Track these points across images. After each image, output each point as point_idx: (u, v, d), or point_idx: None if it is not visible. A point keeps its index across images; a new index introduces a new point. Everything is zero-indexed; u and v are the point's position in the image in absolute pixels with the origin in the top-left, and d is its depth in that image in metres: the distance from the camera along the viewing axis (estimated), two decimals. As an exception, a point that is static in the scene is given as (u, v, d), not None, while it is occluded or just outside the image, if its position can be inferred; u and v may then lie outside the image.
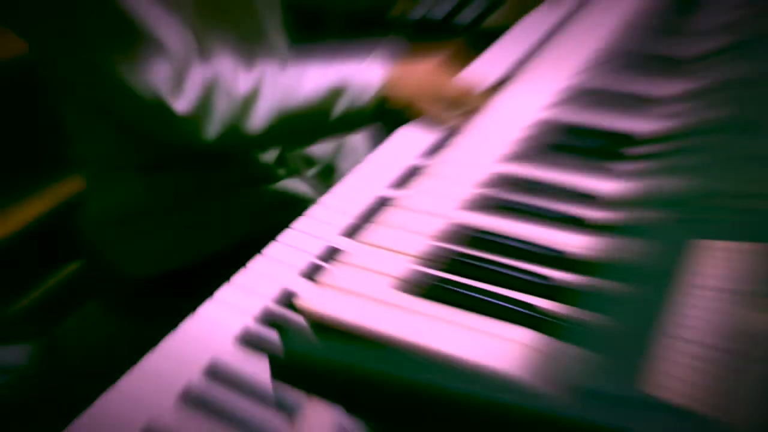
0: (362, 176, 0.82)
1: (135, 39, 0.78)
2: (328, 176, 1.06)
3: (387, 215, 0.64)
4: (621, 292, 0.50)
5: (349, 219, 0.75)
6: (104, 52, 0.79)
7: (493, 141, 0.76)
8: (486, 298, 0.52)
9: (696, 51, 0.90)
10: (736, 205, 0.57)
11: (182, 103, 0.80)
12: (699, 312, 0.47)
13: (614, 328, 0.47)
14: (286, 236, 0.74)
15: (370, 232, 0.62)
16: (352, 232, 0.72)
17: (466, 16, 1.92)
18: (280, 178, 1.01)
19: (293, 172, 1.02)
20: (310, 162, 1.03)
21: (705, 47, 0.92)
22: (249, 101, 0.83)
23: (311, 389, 0.52)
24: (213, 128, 0.82)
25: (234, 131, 0.83)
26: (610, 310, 0.49)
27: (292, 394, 0.58)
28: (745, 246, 0.51)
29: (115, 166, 0.95)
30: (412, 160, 0.84)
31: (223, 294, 0.67)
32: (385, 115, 0.89)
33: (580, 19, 1.11)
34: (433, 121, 0.87)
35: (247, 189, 0.97)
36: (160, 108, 0.80)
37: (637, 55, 0.92)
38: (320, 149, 1.04)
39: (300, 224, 0.75)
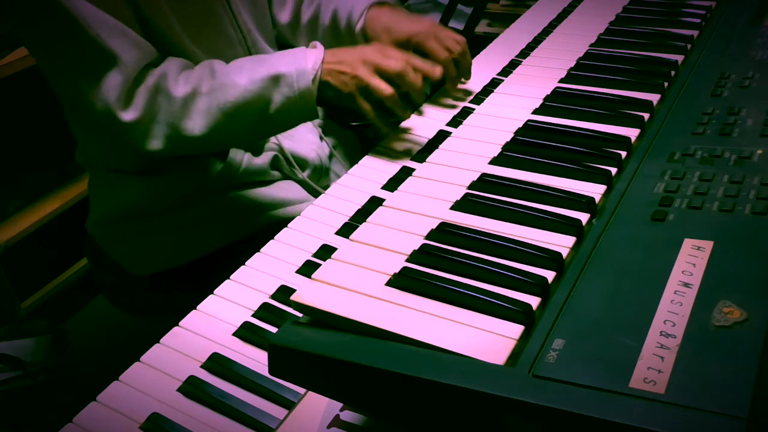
0: (356, 177, 0.84)
1: (91, 52, 0.80)
2: (320, 178, 1.08)
3: (380, 215, 0.66)
4: (605, 289, 0.52)
5: (343, 218, 0.78)
6: (64, 64, 0.82)
7: (483, 143, 0.78)
8: (474, 294, 0.53)
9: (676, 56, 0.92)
10: (714, 205, 0.58)
11: (129, 114, 0.81)
12: (676, 307, 0.49)
13: (598, 323, 0.48)
14: (283, 235, 0.76)
15: (364, 231, 0.63)
16: (346, 231, 0.74)
17: (459, 22, 1.92)
18: (275, 179, 1.03)
19: (287, 174, 1.04)
20: (303, 164, 1.05)
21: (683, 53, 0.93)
22: (188, 102, 0.83)
23: (307, 381, 0.54)
24: (158, 132, 0.83)
25: (178, 133, 0.84)
26: (594, 306, 0.50)
27: (289, 386, 0.60)
28: (719, 245, 0.53)
29: (114, 169, 0.98)
30: (404, 162, 0.86)
31: (223, 290, 0.70)
32: (331, 102, 0.87)
33: (567, 24, 1.12)
34: (366, 112, 0.85)
35: (243, 191, 0.99)
36: (109, 117, 0.81)
37: (620, 58, 0.93)
38: (312, 152, 1.06)
39: (297, 224, 0.77)
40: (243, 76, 0.83)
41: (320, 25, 1.07)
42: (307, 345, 0.51)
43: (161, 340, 0.64)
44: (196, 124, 0.83)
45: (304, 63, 0.83)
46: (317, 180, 1.06)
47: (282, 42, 1.15)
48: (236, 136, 0.90)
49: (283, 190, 1.01)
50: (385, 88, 0.83)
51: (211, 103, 0.83)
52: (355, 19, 0.99)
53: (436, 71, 0.88)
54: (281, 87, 0.83)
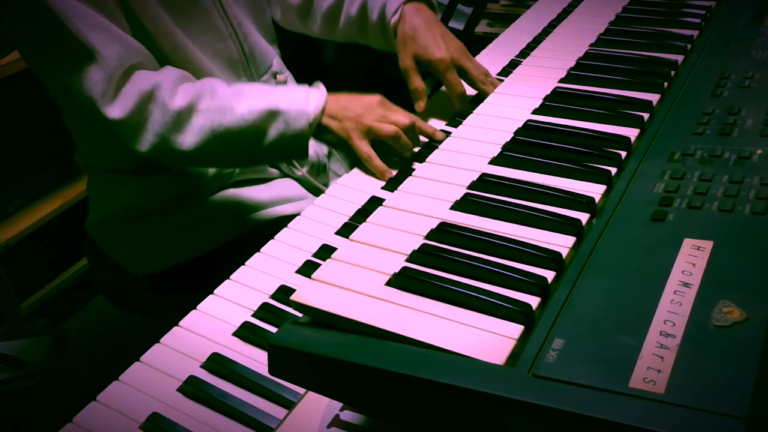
0: (356, 177, 0.84)
1: (72, 47, 0.79)
2: (318, 175, 1.08)
3: (380, 215, 0.66)
4: (605, 289, 0.52)
5: (343, 218, 0.78)
6: (49, 60, 0.82)
7: (483, 143, 0.78)
8: (474, 294, 0.53)
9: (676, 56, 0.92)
10: (714, 205, 0.58)
11: (115, 111, 0.81)
12: (676, 307, 0.49)
13: (598, 323, 0.48)
14: (283, 235, 0.76)
15: (364, 231, 0.63)
16: (346, 231, 0.74)
17: (459, 22, 1.92)
18: (273, 177, 1.02)
19: (285, 173, 1.04)
20: (300, 162, 1.04)
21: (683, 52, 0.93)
22: (183, 116, 0.83)
23: (307, 381, 0.54)
24: (147, 139, 0.83)
25: (166, 144, 0.83)
26: (594, 306, 0.50)
27: (289, 386, 0.60)
28: (719, 245, 0.53)
29: (113, 169, 0.98)
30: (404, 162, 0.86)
31: (223, 290, 0.70)
32: (326, 144, 0.88)
33: (567, 24, 1.12)
34: (365, 160, 0.85)
35: (241, 189, 0.99)
36: (96, 112, 0.81)
37: (619, 58, 0.94)
38: (310, 149, 1.05)
39: (297, 224, 0.77)
40: (243, 104, 0.83)
41: (344, 15, 1.05)
42: (307, 345, 0.51)
43: (161, 340, 0.64)
44: (186, 139, 0.83)
45: (305, 105, 0.83)
46: (315, 177, 1.06)
47: (281, 30, 1.14)
48: (225, 159, 0.91)
49: (282, 187, 1.01)
50: (388, 128, 0.84)
51: (206, 122, 0.82)
52: (390, 13, 0.97)
53: (437, 135, 0.89)
54: (278, 123, 0.83)
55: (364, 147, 0.84)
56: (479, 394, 0.44)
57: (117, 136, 0.84)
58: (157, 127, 0.82)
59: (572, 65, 0.95)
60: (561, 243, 0.59)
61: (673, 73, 0.87)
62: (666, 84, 0.84)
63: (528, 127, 0.80)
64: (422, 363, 0.48)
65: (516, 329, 0.50)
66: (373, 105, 0.86)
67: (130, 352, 0.64)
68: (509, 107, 0.86)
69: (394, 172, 0.84)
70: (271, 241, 0.75)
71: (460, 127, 0.84)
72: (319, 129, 0.85)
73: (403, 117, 0.85)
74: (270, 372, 0.53)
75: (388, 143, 0.85)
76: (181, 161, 0.90)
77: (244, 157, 0.89)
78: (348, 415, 0.58)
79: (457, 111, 0.94)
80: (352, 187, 0.82)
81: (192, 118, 0.82)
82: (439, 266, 0.57)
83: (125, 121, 0.81)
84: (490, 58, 1.06)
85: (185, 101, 0.82)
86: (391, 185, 0.81)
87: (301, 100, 0.83)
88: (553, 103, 0.85)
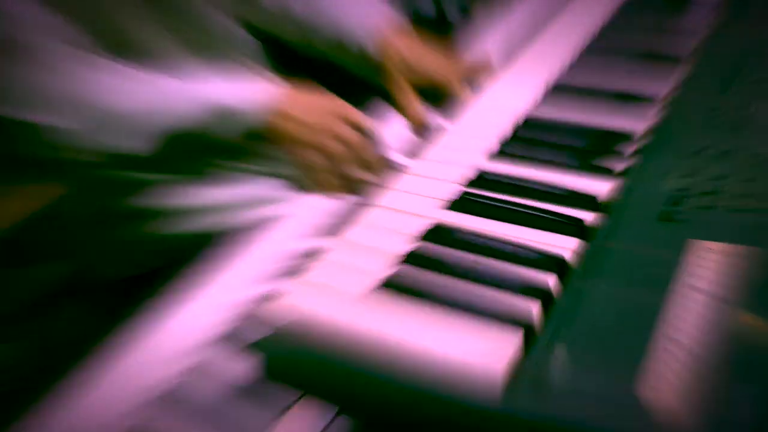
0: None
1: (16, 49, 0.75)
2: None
3: (369, 215, 0.64)
4: (610, 292, 0.50)
5: (331, 219, 0.75)
6: None
7: (477, 138, 0.76)
8: (473, 297, 0.52)
9: (683, 49, 0.90)
10: (729, 205, 0.57)
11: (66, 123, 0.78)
12: (689, 315, 0.47)
13: (602, 328, 0.47)
14: (270, 236, 0.74)
15: (352, 232, 0.62)
16: (334, 231, 0.72)
17: (455, 14, 1.92)
18: (254, 176, 1.00)
19: (262, 172, 1.00)
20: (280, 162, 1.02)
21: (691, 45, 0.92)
22: (122, 120, 0.79)
23: (294, 387, 0.53)
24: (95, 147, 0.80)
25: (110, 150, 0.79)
26: (598, 310, 0.49)
27: (276, 393, 0.58)
28: (738, 249, 0.52)
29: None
30: (394, 159, 0.83)
31: (207, 293, 0.67)
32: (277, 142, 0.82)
33: (564, 15, 1.10)
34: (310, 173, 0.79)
35: (221, 188, 0.96)
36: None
37: (623, 51, 0.92)
38: None
39: (283, 224, 0.75)
40: (182, 100, 0.79)
41: None
42: (293, 350, 0.51)
43: (144, 344, 0.62)
44: (128, 143, 0.79)
45: (250, 100, 0.79)
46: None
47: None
48: (171, 162, 0.88)
49: (262, 188, 0.99)
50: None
51: (145, 124, 0.79)
52: None
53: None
54: (220, 120, 0.79)
55: (313, 156, 0.79)
56: (479, 399, 0.44)
57: (66, 148, 0.80)
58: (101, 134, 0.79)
59: (576, 51, 0.93)
60: (563, 244, 0.57)
61: (683, 66, 0.85)
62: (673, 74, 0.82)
63: (529, 124, 0.78)
64: (418, 371, 0.47)
65: (517, 334, 0.49)
66: (326, 106, 0.80)
67: (107, 357, 0.62)
68: (508, 106, 0.84)
69: None
70: (257, 242, 0.73)
71: (457, 123, 0.81)
72: (266, 124, 0.80)
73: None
74: (266, 377, 0.52)
75: None
76: (130, 167, 0.88)
77: (191, 157, 0.87)
78: (336, 420, 0.56)
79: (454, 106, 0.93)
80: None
81: (132, 120, 0.79)
82: (435, 268, 0.56)
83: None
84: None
85: (125, 104, 0.79)
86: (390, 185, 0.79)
87: (246, 95, 0.79)
88: (555, 96, 0.83)
